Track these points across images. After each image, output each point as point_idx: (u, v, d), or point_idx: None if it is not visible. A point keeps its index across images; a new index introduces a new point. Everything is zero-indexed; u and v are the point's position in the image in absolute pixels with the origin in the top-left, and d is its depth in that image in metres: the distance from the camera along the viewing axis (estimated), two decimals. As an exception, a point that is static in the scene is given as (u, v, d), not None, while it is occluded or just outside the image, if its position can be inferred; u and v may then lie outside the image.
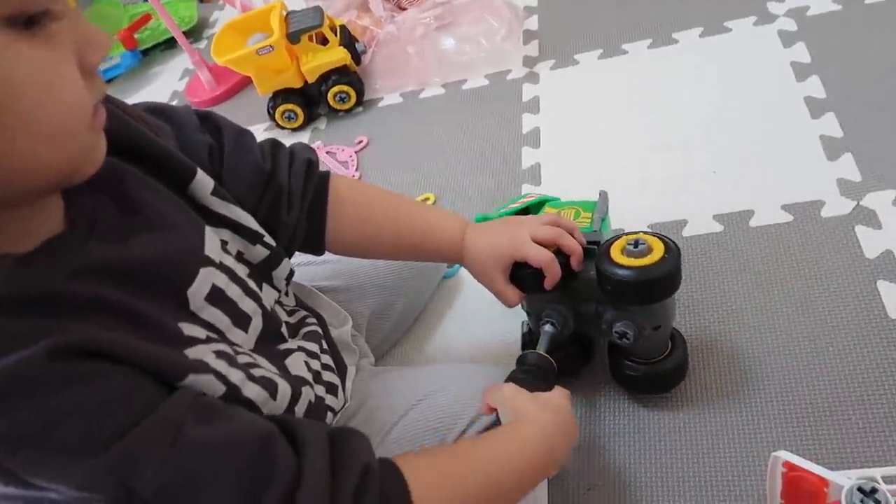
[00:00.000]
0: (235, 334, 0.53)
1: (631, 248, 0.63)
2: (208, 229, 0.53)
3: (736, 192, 0.92)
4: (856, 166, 0.89)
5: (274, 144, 0.66)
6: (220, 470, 0.40)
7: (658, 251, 0.62)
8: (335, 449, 0.46)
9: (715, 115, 1.04)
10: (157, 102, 0.60)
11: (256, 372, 0.50)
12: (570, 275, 0.67)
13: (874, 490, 0.51)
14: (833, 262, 0.81)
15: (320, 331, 0.69)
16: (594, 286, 0.66)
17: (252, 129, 1.40)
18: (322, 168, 0.69)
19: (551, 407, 0.62)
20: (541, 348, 0.70)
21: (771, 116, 1.00)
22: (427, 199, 1.11)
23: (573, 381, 0.79)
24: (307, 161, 0.67)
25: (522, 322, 0.89)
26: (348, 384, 0.72)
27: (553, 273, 0.66)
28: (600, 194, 0.83)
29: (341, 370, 0.70)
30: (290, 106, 1.32)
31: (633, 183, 0.99)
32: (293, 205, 0.65)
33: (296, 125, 1.35)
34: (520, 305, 0.76)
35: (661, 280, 0.61)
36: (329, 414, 0.64)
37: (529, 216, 0.75)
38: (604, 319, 0.69)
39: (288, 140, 1.34)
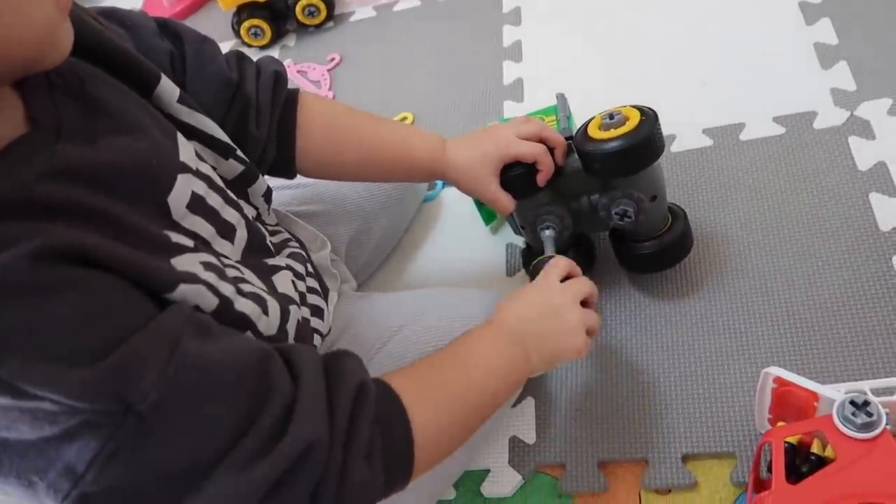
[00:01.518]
0: (221, 245, 0.50)
1: (607, 121, 0.63)
2: (181, 136, 0.50)
3: (726, 105, 0.89)
4: (850, 75, 0.85)
5: (239, 56, 0.63)
6: (218, 384, 0.38)
7: (634, 118, 0.63)
8: (329, 368, 0.45)
9: (704, 23, 0.99)
10: (108, 7, 0.55)
11: (245, 287, 0.48)
12: (556, 171, 0.68)
13: (866, 402, 0.50)
14: (825, 175, 0.78)
15: (304, 253, 0.67)
16: (581, 176, 0.67)
17: (216, 47, 1.35)
18: (292, 87, 0.65)
19: (538, 307, 0.59)
20: (549, 253, 0.69)
21: (763, 23, 0.96)
22: (404, 118, 1.06)
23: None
24: (275, 73, 0.64)
25: (507, 245, 0.87)
26: (330, 309, 0.70)
27: (547, 164, 0.66)
28: (557, 96, 0.81)
29: (325, 294, 0.68)
30: (255, 21, 1.24)
31: (620, 96, 0.95)
32: (262, 118, 0.62)
33: (263, 42, 1.27)
34: (509, 226, 0.74)
35: (645, 142, 0.61)
36: (316, 337, 0.62)
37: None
38: (600, 206, 0.68)
39: (254, 58, 1.27)
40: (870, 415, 0.50)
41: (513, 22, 1.13)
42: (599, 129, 0.64)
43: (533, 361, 0.57)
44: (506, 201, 0.68)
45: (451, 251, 0.89)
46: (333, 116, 0.68)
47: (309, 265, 0.67)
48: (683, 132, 0.88)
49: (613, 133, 0.62)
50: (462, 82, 1.08)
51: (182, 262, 0.42)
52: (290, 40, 1.29)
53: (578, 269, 0.65)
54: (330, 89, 1.16)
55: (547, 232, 0.71)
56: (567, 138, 0.69)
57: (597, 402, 0.70)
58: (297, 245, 0.68)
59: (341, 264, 0.80)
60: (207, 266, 0.44)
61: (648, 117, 0.63)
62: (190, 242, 0.45)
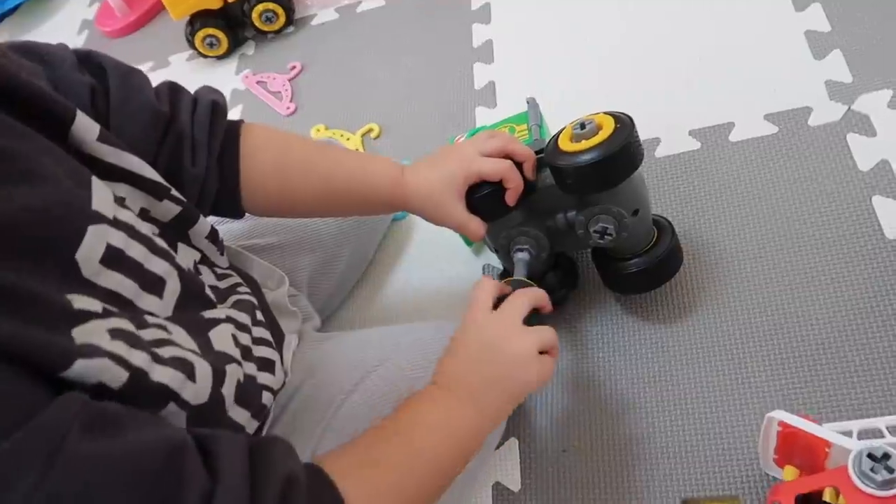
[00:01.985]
0: (147, 301, 0.44)
1: (579, 131, 0.58)
2: (97, 181, 0.43)
3: (713, 103, 0.82)
4: (846, 65, 0.79)
5: (173, 88, 0.57)
6: (112, 488, 0.32)
7: (608, 126, 0.57)
8: (255, 458, 0.39)
9: (687, 15, 0.92)
10: (24, 41, 0.49)
11: (166, 352, 0.42)
12: (528, 188, 0.61)
13: (886, 455, 0.44)
14: (824, 178, 0.72)
15: (254, 300, 0.61)
16: (555, 193, 0.61)
17: (172, 59, 1.28)
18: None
19: (474, 351, 0.54)
20: (518, 276, 0.63)
21: (750, 11, 0.89)
22: (371, 130, 0.99)
23: (558, 315, 0.71)
24: (212, 104, 0.57)
25: (484, 266, 0.80)
26: (287, 356, 0.64)
27: (515, 181, 0.60)
28: (528, 102, 0.74)
29: (279, 342, 0.62)
30: (210, 31, 1.16)
31: (600, 97, 0.89)
32: (198, 154, 0.56)
33: (219, 52, 1.19)
34: (486, 247, 0.68)
35: (622, 153, 0.55)
36: (266, 394, 0.56)
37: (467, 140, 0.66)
38: (578, 224, 0.62)
39: (212, 70, 1.21)
40: (891, 470, 0.44)
41: (482, 20, 1.06)
42: (571, 140, 0.58)
43: (490, 413, 0.53)
44: (475, 226, 0.62)
45: (425, 275, 0.83)
46: (282, 147, 0.62)
47: (259, 313, 0.60)
48: (668, 135, 0.82)
49: (585, 144, 0.57)
50: (431, 88, 1.01)
51: (85, 332, 0.36)
52: (249, 48, 1.21)
53: (508, 287, 0.59)
54: (292, 100, 1.08)
55: (520, 255, 0.65)
56: (538, 151, 0.63)
57: (586, 441, 0.64)
58: (248, 290, 0.61)
59: (303, 299, 0.74)
60: (116, 333, 0.38)
61: (624, 124, 0.57)
62: (98, 306, 0.39)
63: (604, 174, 0.57)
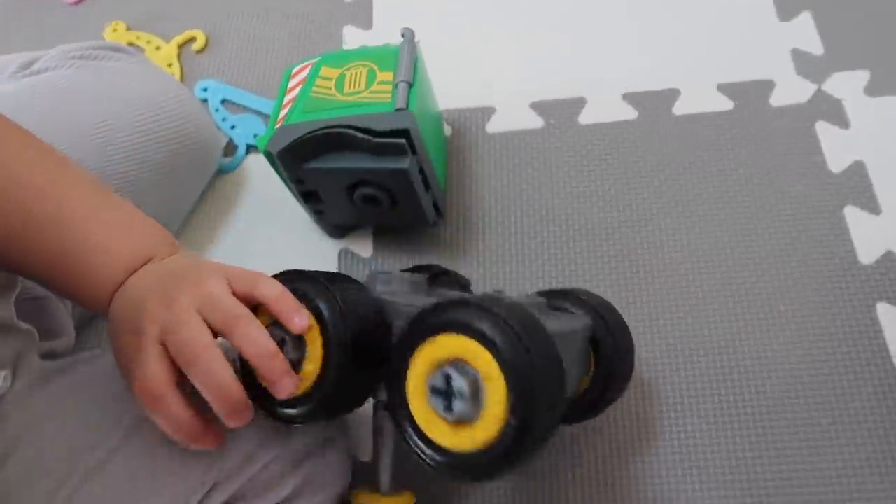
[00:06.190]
0: None
1: (445, 412, 0.30)
2: None
3: (656, 62, 0.63)
4: (817, 32, 0.63)
5: None
6: None
7: (496, 390, 0.29)
8: None
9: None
10: None
11: None
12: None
13: None
14: (788, 176, 0.56)
15: None
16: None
17: None
18: None
19: None
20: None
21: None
22: (193, 38, 0.70)
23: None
24: None
25: (341, 252, 0.58)
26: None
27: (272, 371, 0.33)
28: (403, 35, 0.50)
29: None
30: None
31: (512, 43, 0.67)
32: None
33: None
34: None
35: (532, 446, 0.30)
36: None
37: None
38: None
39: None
40: None
41: None
42: (435, 410, 0.31)
43: None
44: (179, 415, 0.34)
45: (259, 259, 0.58)
46: None
47: None
48: (597, 95, 0.62)
49: (467, 439, 0.30)
50: (284, -10, 0.74)
51: None
52: None
53: None
54: (80, -19, 0.76)
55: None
56: (399, 132, 0.43)
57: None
58: None
59: (56, 305, 0.47)
60: None
61: (522, 389, 0.29)
62: None
63: (505, 472, 0.31)
